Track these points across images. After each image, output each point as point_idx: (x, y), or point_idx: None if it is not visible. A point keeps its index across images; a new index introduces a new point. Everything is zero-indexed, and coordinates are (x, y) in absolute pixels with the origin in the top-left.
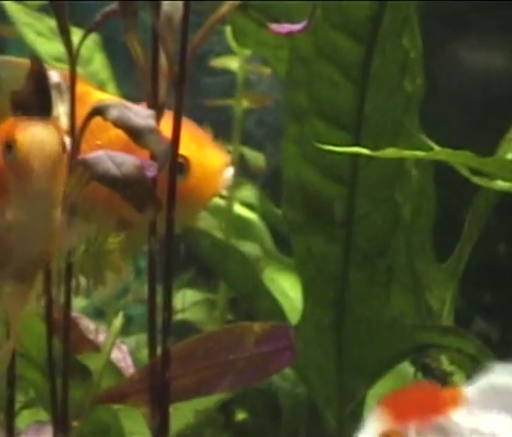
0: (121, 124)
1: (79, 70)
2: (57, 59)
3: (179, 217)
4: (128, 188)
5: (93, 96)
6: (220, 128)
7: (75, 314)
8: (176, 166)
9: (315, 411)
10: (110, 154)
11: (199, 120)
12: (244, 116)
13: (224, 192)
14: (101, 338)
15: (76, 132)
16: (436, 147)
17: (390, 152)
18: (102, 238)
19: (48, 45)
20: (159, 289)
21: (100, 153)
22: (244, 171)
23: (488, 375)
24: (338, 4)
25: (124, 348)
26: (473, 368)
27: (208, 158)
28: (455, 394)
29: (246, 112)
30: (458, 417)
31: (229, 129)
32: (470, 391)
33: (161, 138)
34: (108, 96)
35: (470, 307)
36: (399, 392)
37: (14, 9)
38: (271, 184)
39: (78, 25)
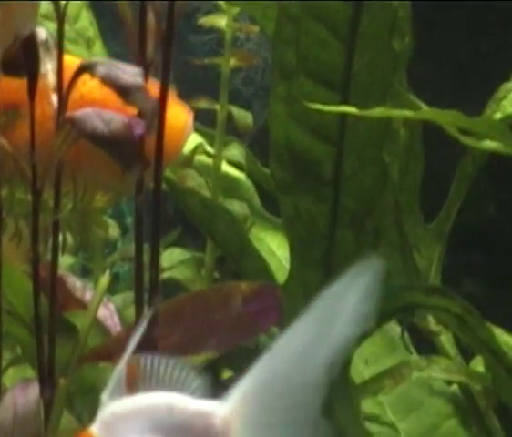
0: (109, 81)
1: (66, 27)
2: (45, 17)
3: (147, 175)
4: (116, 146)
5: None
6: (208, 87)
7: (62, 272)
8: (164, 123)
9: None
10: (98, 111)
11: (187, 78)
12: (232, 74)
13: (211, 151)
14: (88, 296)
15: (63, 89)
16: (424, 107)
17: (378, 111)
18: (89, 195)
19: None
20: (147, 248)
21: (88, 110)
22: (232, 130)
23: (107, 406)
24: None
25: (111, 306)
26: (459, 327)
27: (172, 115)
28: None
29: (234, 70)
30: None
31: (216, 88)
32: (96, 428)
33: (149, 97)
34: None
35: (457, 267)
36: None
37: None
38: (258, 143)
39: None
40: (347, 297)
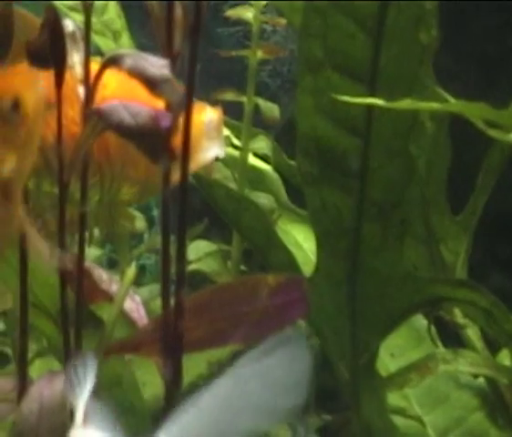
0: (136, 73)
1: (93, 19)
2: (72, 9)
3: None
4: (143, 138)
5: None
6: (235, 79)
7: (88, 264)
8: (191, 114)
9: (328, 363)
10: (125, 104)
11: (213, 71)
12: (258, 66)
13: (237, 143)
14: (114, 288)
15: (89, 81)
16: (451, 100)
17: (405, 103)
18: (116, 187)
19: None
20: (173, 240)
21: (115, 103)
22: (258, 122)
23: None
24: None
25: (137, 298)
26: (486, 321)
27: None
28: None
29: (260, 63)
30: None
31: (243, 80)
32: None
33: (176, 88)
34: None
35: (484, 260)
36: None
37: None
38: (285, 135)
39: None
40: (274, 370)
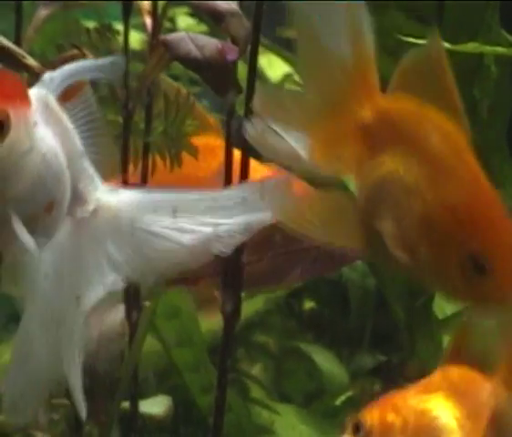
0: (204, 7)
1: None
2: None
3: None
4: (209, 70)
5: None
6: None
7: None
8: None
9: (384, 303)
10: (192, 35)
11: (279, 6)
12: None
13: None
14: None
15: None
16: None
17: (470, 46)
18: (180, 119)
19: None
20: None
21: (182, 34)
22: None
23: None
24: None
25: None
26: None
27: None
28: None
29: None
30: None
31: None
32: None
33: (243, 23)
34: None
35: None
36: None
37: None
38: None
39: None
40: None
